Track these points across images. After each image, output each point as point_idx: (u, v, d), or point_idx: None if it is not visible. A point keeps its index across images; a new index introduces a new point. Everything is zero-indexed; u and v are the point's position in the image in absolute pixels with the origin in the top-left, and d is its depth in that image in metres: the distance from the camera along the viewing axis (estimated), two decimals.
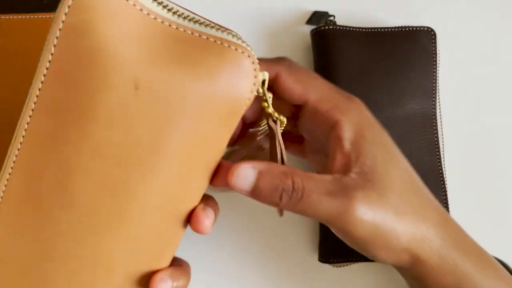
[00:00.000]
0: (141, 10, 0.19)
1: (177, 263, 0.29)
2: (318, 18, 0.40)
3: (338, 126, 0.27)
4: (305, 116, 0.29)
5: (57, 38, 0.18)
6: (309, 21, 0.41)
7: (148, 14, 0.20)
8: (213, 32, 0.21)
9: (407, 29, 0.39)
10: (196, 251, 0.39)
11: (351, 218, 0.25)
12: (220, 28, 0.21)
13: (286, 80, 0.27)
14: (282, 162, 0.26)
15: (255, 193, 0.26)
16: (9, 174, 0.20)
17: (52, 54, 0.19)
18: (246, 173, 0.25)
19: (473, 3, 0.41)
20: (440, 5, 0.41)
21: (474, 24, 0.41)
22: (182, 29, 0.20)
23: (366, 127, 0.27)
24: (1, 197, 0.21)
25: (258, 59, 0.23)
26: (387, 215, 0.26)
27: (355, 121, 0.27)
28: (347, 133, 0.26)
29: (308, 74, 0.28)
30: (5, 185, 0.21)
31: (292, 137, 0.33)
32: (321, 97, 0.27)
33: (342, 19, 0.41)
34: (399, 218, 0.26)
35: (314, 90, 0.28)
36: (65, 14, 0.18)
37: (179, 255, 0.39)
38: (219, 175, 0.26)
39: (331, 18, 0.40)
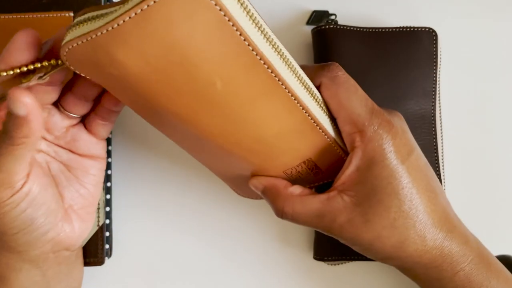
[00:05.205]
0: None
1: None
2: (319, 18, 0.40)
3: (354, 152, 0.29)
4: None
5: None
6: (310, 21, 0.40)
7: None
8: None
9: (409, 29, 0.38)
10: (192, 248, 0.39)
11: (334, 232, 0.30)
12: None
13: (323, 93, 0.29)
14: None
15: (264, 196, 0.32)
16: None
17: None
18: (255, 185, 0.32)
19: (474, 4, 0.41)
20: (441, 6, 0.41)
21: (475, 25, 0.41)
22: None
23: (376, 160, 0.29)
24: None
25: (304, 66, 0.28)
26: (369, 238, 0.30)
27: (369, 151, 0.29)
28: (358, 161, 0.29)
29: (347, 89, 0.29)
30: None
31: None
32: (349, 119, 0.29)
33: (343, 18, 0.40)
34: (380, 241, 0.30)
35: (346, 108, 0.29)
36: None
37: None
38: None
39: (332, 17, 0.40)
